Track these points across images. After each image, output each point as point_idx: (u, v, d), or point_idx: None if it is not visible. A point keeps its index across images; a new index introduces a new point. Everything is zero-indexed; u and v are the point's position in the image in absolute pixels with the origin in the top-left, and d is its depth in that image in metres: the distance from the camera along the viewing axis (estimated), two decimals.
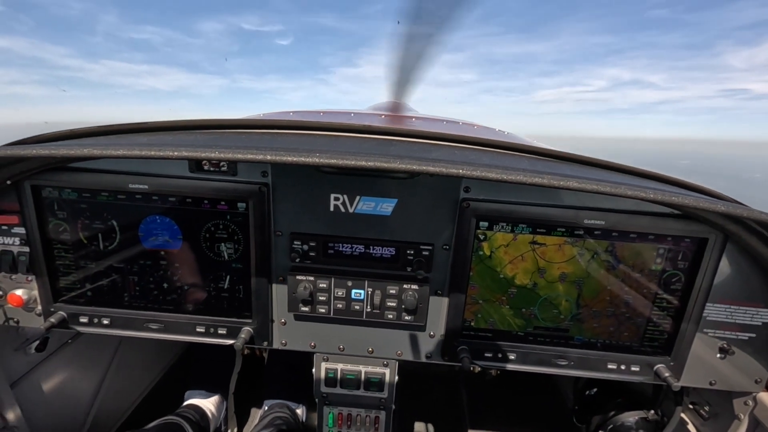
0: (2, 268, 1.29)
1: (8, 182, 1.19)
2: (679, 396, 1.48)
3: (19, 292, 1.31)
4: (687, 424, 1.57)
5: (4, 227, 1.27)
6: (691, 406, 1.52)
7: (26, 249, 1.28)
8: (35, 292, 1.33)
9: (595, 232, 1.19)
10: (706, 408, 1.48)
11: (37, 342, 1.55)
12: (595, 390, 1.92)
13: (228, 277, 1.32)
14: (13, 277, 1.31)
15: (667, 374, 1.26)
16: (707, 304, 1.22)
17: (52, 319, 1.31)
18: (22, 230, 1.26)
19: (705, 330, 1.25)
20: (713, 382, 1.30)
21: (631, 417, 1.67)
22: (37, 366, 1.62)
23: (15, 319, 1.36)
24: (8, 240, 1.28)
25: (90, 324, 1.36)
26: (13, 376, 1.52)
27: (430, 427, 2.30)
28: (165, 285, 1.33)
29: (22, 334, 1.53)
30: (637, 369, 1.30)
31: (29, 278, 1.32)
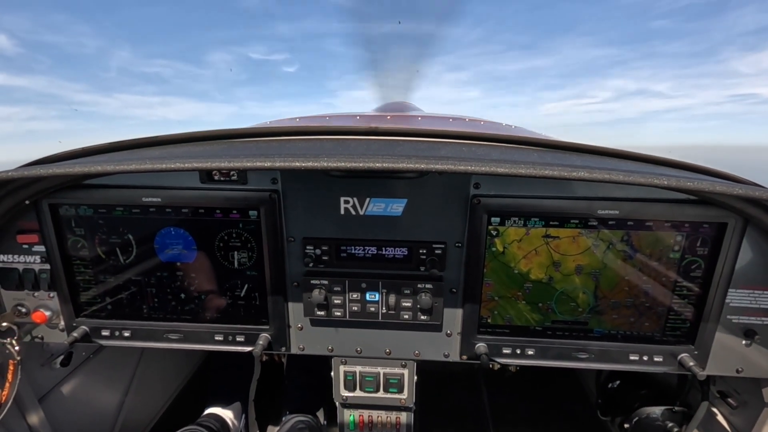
0: (25, 286, 1.33)
1: (27, 202, 1.22)
2: (705, 385, 1.45)
3: (42, 309, 1.34)
4: (715, 414, 1.54)
5: (25, 246, 1.30)
6: (718, 396, 1.49)
7: (47, 266, 1.31)
8: (58, 309, 1.36)
9: (610, 222, 1.17)
10: (735, 397, 1.45)
11: (62, 357, 1.59)
12: (618, 383, 1.89)
13: (243, 284, 1.33)
14: (36, 294, 1.35)
15: (691, 363, 1.23)
16: (730, 290, 1.19)
17: (75, 334, 1.34)
18: (42, 248, 1.29)
19: (729, 317, 1.22)
20: (740, 369, 1.26)
21: (656, 409, 1.64)
22: (63, 380, 1.66)
23: (39, 336, 1.40)
24: (29, 258, 1.31)
25: (112, 337, 1.38)
26: (40, 390, 1.56)
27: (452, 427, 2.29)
28: (182, 295, 1.35)
29: (47, 350, 1.56)
30: (660, 359, 1.28)
31: (51, 295, 1.35)
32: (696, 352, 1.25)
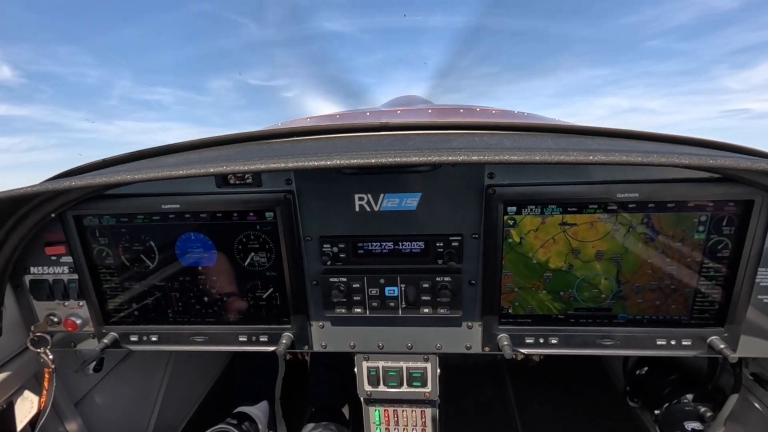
0: (55, 296, 1.37)
1: (52, 215, 1.26)
2: (737, 368, 1.41)
3: (73, 317, 1.39)
4: (749, 397, 1.49)
5: (53, 258, 1.34)
6: (751, 378, 1.45)
7: (75, 276, 1.36)
8: (87, 316, 1.40)
9: (630, 206, 1.15)
10: None
11: (94, 363, 1.64)
12: (646, 369, 1.86)
13: (264, 285, 1.35)
14: (66, 303, 1.39)
15: (722, 346, 1.19)
16: (759, 269, 1.15)
17: (105, 340, 1.38)
18: (69, 259, 1.34)
19: (759, 296, 1.18)
20: None
21: (687, 394, 1.61)
22: (96, 385, 1.71)
23: (72, 343, 1.45)
24: (58, 269, 1.36)
25: (140, 342, 1.42)
26: (76, 396, 1.62)
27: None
28: (205, 298, 1.38)
29: (80, 357, 1.62)
30: (689, 343, 1.24)
31: (81, 303, 1.39)
32: (726, 335, 1.22)
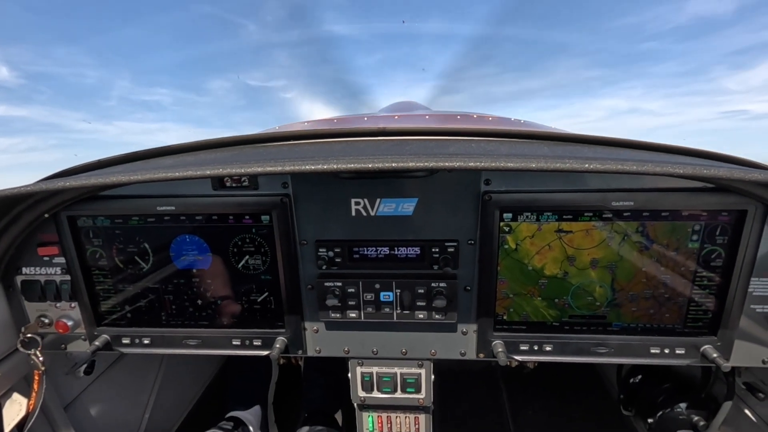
0: (47, 297, 1.36)
1: (46, 215, 1.25)
2: (730, 377, 1.42)
3: (64, 319, 1.37)
4: (742, 406, 1.50)
5: (46, 258, 1.33)
6: (744, 387, 1.45)
7: (67, 277, 1.34)
8: (79, 318, 1.39)
9: (625, 214, 1.15)
10: (762, 388, 1.41)
11: (85, 365, 1.62)
12: (639, 377, 1.86)
13: (258, 289, 1.34)
14: (58, 305, 1.38)
15: (715, 355, 1.20)
16: (752, 278, 1.16)
17: (97, 343, 1.37)
18: (62, 260, 1.33)
19: (752, 306, 1.19)
20: (766, 360, 1.23)
21: (681, 402, 1.61)
22: (87, 388, 1.69)
23: (63, 345, 1.43)
24: (50, 270, 1.35)
25: (132, 345, 1.41)
26: (66, 399, 1.60)
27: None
28: (199, 302, 1.37)
29: (70, 359, 1.60)
30: (682, 352, 1.25)
31: (73, 305, 1.38)
32: (719, 344, 1.22)
